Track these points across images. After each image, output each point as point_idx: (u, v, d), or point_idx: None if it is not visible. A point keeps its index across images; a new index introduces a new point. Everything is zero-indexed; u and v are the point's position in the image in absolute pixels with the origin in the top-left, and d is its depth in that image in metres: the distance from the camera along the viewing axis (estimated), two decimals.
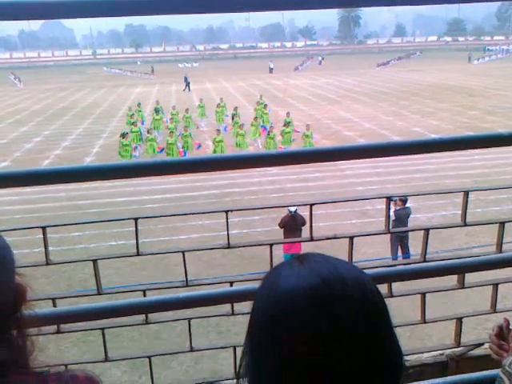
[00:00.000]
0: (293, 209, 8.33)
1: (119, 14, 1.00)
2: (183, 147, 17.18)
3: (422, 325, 2.25)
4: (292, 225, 8.18)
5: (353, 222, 10.57)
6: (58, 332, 1.56)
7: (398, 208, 8.63)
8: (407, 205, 8.81)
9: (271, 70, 52.91)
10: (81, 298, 2.29)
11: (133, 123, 19.34)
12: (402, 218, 8.54)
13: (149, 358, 1.86)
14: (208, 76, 51.18)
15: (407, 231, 8.09)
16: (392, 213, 8.61)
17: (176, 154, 16.44)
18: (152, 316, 1.86)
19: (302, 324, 0.61)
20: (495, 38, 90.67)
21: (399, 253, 8.82)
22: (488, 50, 70.37)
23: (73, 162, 16.59)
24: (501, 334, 1.24)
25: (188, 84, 37.54)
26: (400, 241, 8.70)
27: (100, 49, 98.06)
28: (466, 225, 1.76)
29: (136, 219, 1.60)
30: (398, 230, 7.35)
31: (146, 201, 12.57)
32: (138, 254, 1.60)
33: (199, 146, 17.25)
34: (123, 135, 16.62)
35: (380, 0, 1.17)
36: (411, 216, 8.98)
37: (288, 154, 1.29)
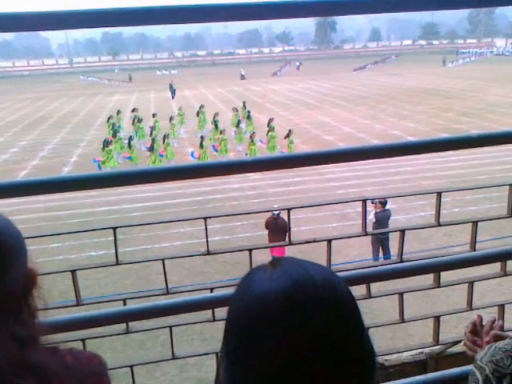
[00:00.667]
0: (277, 211, 8.40)
1: (111, 25, 1.02)
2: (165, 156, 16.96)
3: (403, 324, 2.30)
4: (275, 227, 8.24)
5: (333, 226, 10.65)
6: None
7: (378, 210, 8.74)
8: (387, 207, 8.92)
9: (243, 77, 52.89)
10: (60, 309, 2.27)
11: (115, 132, 19.16)
12: (383, 220, 8.65)
13: (131, 367, 1.85)
14: (187, 83, 51.04)
15: (387, 233, 8.20)
16: (372, 215, 8.72)
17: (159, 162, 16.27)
18: (133, 325, 1.85)
19: (275, 326, 0.63)
20: (468, 41, 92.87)
21: (380, 254, 8.92)
22: (461, 53, 71.88)
23: (50, 172, 16.35)
24: (475, 330, 1.28)
25: (174, 91, 36.96)
26: (381, 243, 8.80)
27: (77, 57, 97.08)
28: (439, 225, 1.80)
29: (115, 228, 1.59)
30: (376, 232, 7.47)
31: (127, 210, 12.47)
32: (117, 264, 1.59)
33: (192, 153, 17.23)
34: (107, 143, 16.43)
35: (360, 8, 1.20)
36: (391, 218, 9.10)
37: (271, 159, 1.31)
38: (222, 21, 1.16)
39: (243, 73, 53.72)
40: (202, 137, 17.32)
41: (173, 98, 36.43)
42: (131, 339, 6.56)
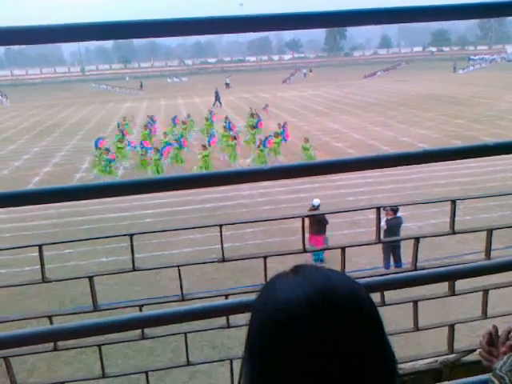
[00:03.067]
0: (316, 203, 9.10)
1: (121, 37, 1.04)
2: (174, 161, 17.14)
3: (417, 332, 2.28)
4: (314, 219, 8.59)
5: (344, 233, 10.61)
6: (55, 349, 1.56)
7: (389, 217, 8.70)
8: (398, 214, 8.87)
9: (227, 85, 52.65)
10: (75, 315, 2.30)
11: (119, 139, 19.36)
12: (394, 227, 8.61)
13: (146, 373, 1.87)
14: (196, 90, 51.37)
15: (399, 240, 8.16)
16: (383, 223, 8.68)
17: (161, 170, 16.26)
18: (148, 331, 1.87)
19: (297, 333, 0.64)
20: (478, 47, 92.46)
21: (391, 261, 8.87)
22: (472, 59, 71.55)
23: (63, 179, 16.51)
24: (491, 340, 1.27)
25: (219, 98, 35.95)
26: (392, 250, 8.75)
27: (88, 65, 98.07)
28: (454, 233, 1.80)
29: (131, 235, 1.62)
30: (389, 240, 7.43)
31: (138, 216, 12.54)
32: (133, 270, 1.61)
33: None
34: (107, 150, 16.61)
35: (366, 20, 1.22)
36: (402, 225, 9.04)
37: (282, 168, 1.32)
38: (231, 32, 1.18)
39: (228, 81, 53.59)
40: (203, 145, 17.25)
41: (215, 104, 35.37)
42: (142, 345, 6.58)
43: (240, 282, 8.15)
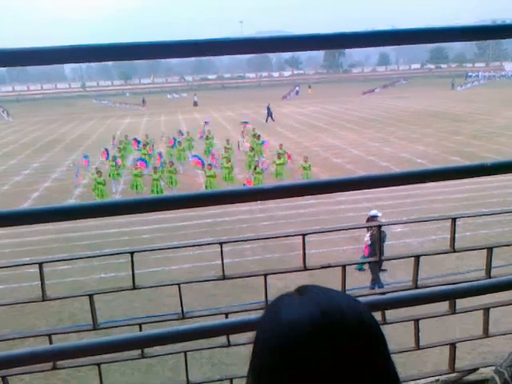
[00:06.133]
0: (373, 213, 9.12)
1: (119, 59, 1.05)
2: (167, 183, 16.34)
3: (416, 351, 2.27)
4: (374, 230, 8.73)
5: (344, 249, 10.59)
6: (54, 368, 1.55)
7: (374, 232, 8.70)
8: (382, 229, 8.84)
9: (195, 103, 52.73)
10: (73, 333, 2.28)
11: (113, 158, 18.58)
12: (378, 241, 8.55)
13: None
14: (196, 106, 51.72)
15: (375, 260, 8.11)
16: (368, 237, 8.72)
17: (160, 190, 15.67)
18: (147, 349, 1.85)
19: (302, 354, 0.64)
20: (476, 64, 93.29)
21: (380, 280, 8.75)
22: (470, 76, 72.17)
23: (62, 194, 16.52)
24: None
25: (271, 114, 35.46)
26: (379, 267, 8.68)
27: (89, 81, 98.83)
28: (455, 251, 1.80)
29: (132, 253, 1.61)
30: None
31: (136, 232, 12.51)
32: (134, 288, 1.61)
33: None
34: (98, 172, 15.70)
35: (363, 42, 1.24)
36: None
37: (283, 187, 1.32)
38: (230, 54, 1.20)
39: (196, 99, 53.72)
40: (210, 165, 16.60)
41: (267, 121, 34.94)
42: (140, 363, 6.51)
43: (240, 298, 8.10)
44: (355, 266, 9.03)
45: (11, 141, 31.75)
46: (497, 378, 1.02)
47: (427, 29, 1.29)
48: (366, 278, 8.89)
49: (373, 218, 9.12)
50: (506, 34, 1.33)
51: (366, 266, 9.22)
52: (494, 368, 1.04)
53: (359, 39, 1.25)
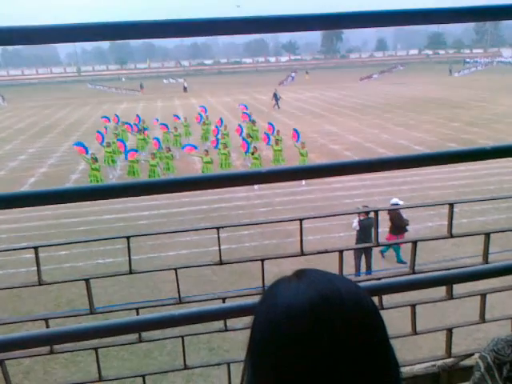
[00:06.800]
0: (394, 201, 9.43)
1: (120, 38, 1.02)
2: (164, 169, 16.24)
3: (413, 336, 2.28)
4: (395, 219, 9.28)
5: (341, 235, 10.62)
6: (52, 352, 1.54)
7: (362, 218, 8.73)
8: (370, 215, 8.86)
9: (185, 89, 52.05)
10: (70, 317, 2.28)
11: (108, 144, 18.26)
12: (366, 228, 8.57)
13: (143, 376, 1.85)
14: (193, 91, 51.34)
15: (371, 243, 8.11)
16: (356, 223, 8.74)
17: (157, 176, 15.35)
18: (145, 334, 1.86)
19: (301, 339, 0.63)
20: (474, 51, 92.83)
21: (362, 269, 8.77)
22: (468, 62, 71.84)
23: (58, 180, 16.45)
24: None
25: (277, 99, 34.79)
26: (365, 253, 8.70)
27: (84, 66, 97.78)
28: (452, 236, 1.80)
29: (128, 237, 1.60)
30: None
31: (133, 218, 12.50)
32: (130, 272, 1.60)
33: None
34: (94, 159, 15.47)
35: (363, 22, 1.21)
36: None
37: (278, 171, 1.31)
38: (228, 34, 1.17)
39: (186, 85, 53.11)
40: (206, 150, 16.34)
41: (274, 106, 34.54)
42: (138, 348, 6.55)
43: (237, 284, 8.14)
44: (380, 249, 9.49)
45: (7, 126, 31.51)
46: (480, 363, 1.04)
47: (424, 10, 1.27)
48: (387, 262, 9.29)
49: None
50: (505, 16, 1.30)
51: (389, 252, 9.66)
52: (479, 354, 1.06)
53: (356, 19, 1.22)
